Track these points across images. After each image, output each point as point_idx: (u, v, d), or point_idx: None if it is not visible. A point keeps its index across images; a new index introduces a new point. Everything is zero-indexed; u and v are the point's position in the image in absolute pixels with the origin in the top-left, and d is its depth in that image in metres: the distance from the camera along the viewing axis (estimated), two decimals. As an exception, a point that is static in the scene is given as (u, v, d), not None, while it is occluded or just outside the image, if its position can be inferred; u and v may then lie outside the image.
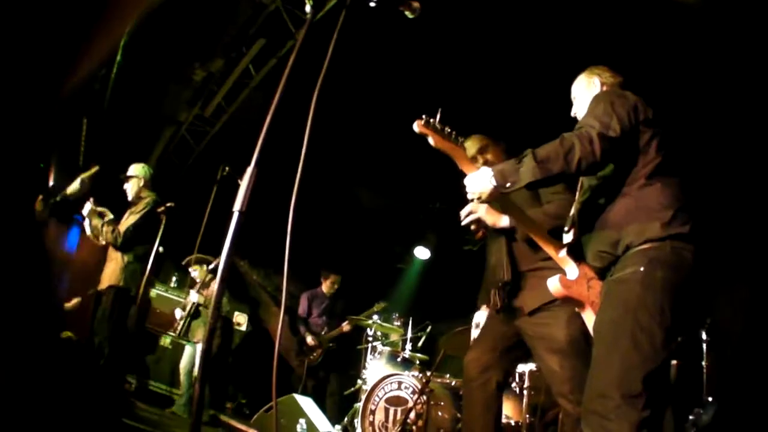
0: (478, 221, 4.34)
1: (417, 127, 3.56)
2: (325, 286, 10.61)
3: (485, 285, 5.17)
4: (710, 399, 5.81)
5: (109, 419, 5.15)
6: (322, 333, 10.08)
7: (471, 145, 4.98)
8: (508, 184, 3.29)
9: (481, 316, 5.43)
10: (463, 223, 4.25)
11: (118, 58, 8.63)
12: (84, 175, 7.05)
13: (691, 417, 5.80)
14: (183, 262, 8.96)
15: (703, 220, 3.22)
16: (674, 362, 6.05)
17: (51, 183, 10.67)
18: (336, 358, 10.03)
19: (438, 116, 3.62)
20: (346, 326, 9.61)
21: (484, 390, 4.68)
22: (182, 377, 9.42)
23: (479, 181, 3.41)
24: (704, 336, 6.12)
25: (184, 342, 9.52)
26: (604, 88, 3.79)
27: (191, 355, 9.37)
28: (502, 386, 4.75)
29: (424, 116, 3.57)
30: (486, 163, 4.91)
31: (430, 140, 3.60)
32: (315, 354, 9.95)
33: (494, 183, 3.32)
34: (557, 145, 3.20)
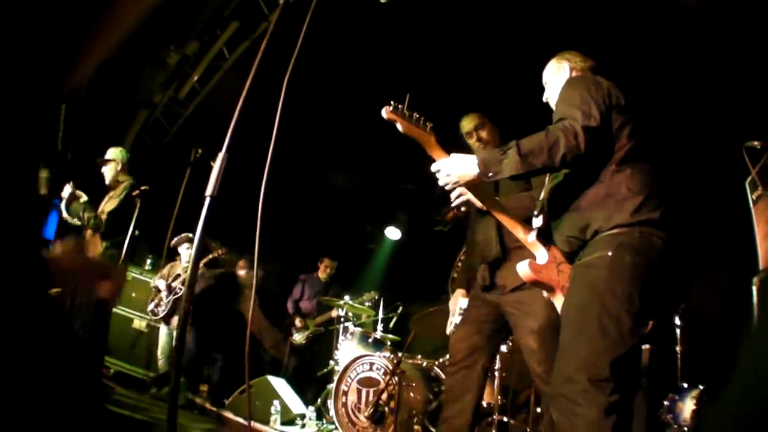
0: (468, 202, 4.35)
1: (385, 113, 3.54)
2: (321, 271, 10.69)
3: (467, 265, 5.22)
4: (685, 385, 5.87)
5: (92, 405, 5.15)
6: (311, 317, 10.16)
7: (468, 122, 5.11)
8: (490, 174, 3.30)
9: (461, 302, 5.48)
10: (453, 204, 4.26)
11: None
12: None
13: (665, 402, 5.85)
14: (172, 243, 8.88)
15: (676, 206, 3.26)
16: (647, 347, 6.11)
17: None
18: (323, 341, 10.04)
19: (407, 102, 3.61)
20: (334, 312, 9.59)
21: (469, 372, 4.72)
22: (161, 361, 9.39)
23: (462, 165, 3.43)
24: (678, 321, 6.18)
25: (148, 318, 9.56)
26: (574, 73, 3.78)
27: (169, 338, 9.33)
28: (487, 369, 4.80)
29: (392, 102, 3.57)
30: (480, 140, 5.04)
31: (399, 126, 3.57)
32: (300, 336, 10.01)
33: (477, 170, 3.33)
34: (542, 139, 3.18)
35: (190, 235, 8.86)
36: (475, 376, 4.75)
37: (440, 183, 3.57)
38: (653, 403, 5.35)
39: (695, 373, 5.96)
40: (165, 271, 9.45)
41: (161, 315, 9.17)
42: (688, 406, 5.59)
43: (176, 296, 9.04)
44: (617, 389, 2.84)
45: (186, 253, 9.38)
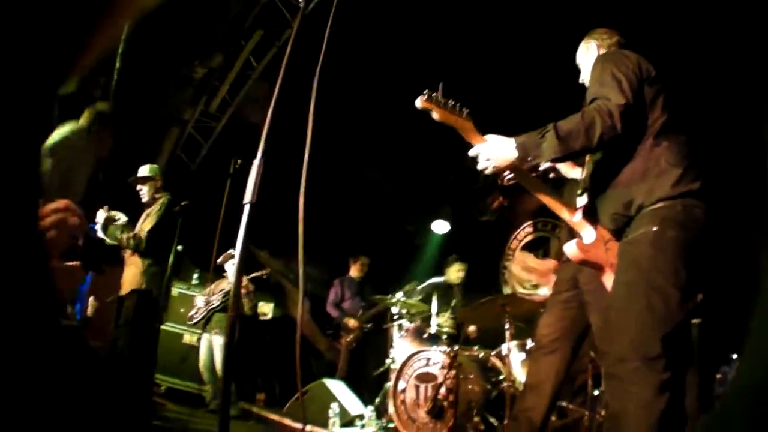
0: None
1: (419, 102, 3.50)
2: (354, 270, 10.63)
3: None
4: (734, 356, 5.77)
5: (137, 424, 5.18)
6: (358, 315, 10.12)
7: None
8: (529, 158, 3.33)
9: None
10: (505, 182, 4.21)
11: (118, 64, 8.62)
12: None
13: (718, 376, 5.76)
14: (219, 260, 8.89)
15: (716, 175, 3.22)
16: (696, 321, 6.02)
17: None
18: (373, 339, 10.02)
19: (440, 90, 3.58)
20: (379, 308, 9.56)
21: (553, 359, 4.73)
22: (206, 375, 9.34)
23: (501, 150, 3.42)
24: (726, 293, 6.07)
25: (199, 333, 9.54)
26: (602, 51, 3.80)
27: (208, 349, 9.33)
28: (569, 360, 4.79)
29: (426, 91, 3.54)
30: None
31: (434, 115, 3.55)
32: (351, 336, 9.99)
33: (515, 155, 3.35)
34: (578, 121, 3.20)
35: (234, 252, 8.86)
36: (557, 363, 4.75)
37: (479, 168, 3.55)
38: (705, 378, 5.24)
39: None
40: (212, 287, 9.45)
41: (195, 321, 9.19)
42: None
43: (211, 306, 9.05)
44: (669, 366, 2.83)
45: (231, 269, 9.33)
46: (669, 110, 3.28)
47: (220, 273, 9.33)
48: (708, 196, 3.12)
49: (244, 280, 8.84)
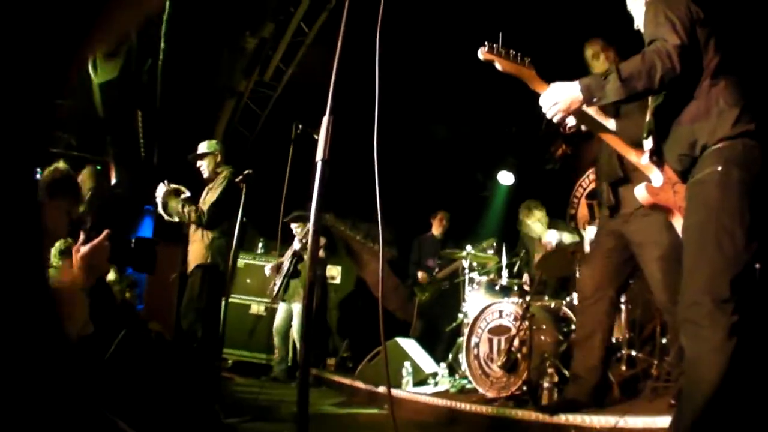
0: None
1: (482, 54, 3.64)
2: (435, 227, 10.60)
3: (599, 185, 5.23)
4: None
5: (205, 402, 5.27)
6: (434, 273, 10.09)
7: (592, 46, 5.44)
8: (594, 99, 3.44)
9: (592, 231, 5.45)
10: (568, 128, 4.24)
11: (162, 45, 8.66)
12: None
13: None
14: (285, 219, 8.78)
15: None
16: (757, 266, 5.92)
17: (113, 180, 10.80)
18: (446, 295, 9.96)
19: (500, 41, 3.66)
20: (457, 263, 9.41)
21: (598, 308, 4.78)
22: (276, 340, 9.50)
23: (566, 93, 3.50)
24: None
25: (267, 302, 9.65)
26: None
27: (286, 316, 9.45)
28: (615, 305, 4.79)
29: (487, 43, 3.62)
30: (608, 59, 5.28)
31: (497, 65, 3.68)
32: (426, 294, 10.00)
33: (581, 96, 3.44)
34: (639, 63, 3.25)
35: (301, 212, 8.85)
36: (603, 312, 4.84)
37: (547, 115, 3.63)
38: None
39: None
40: (279, 259, 9.50)
41: (274, 294, 9.14)
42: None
43: (284, 273, 8.96)
44: (738, 308, 2.85)
45: (297, 230, 9.37)
46: (721, 51, 3.28)
47: (285, 239, 9.32)
48: (763, 136, 3.13)
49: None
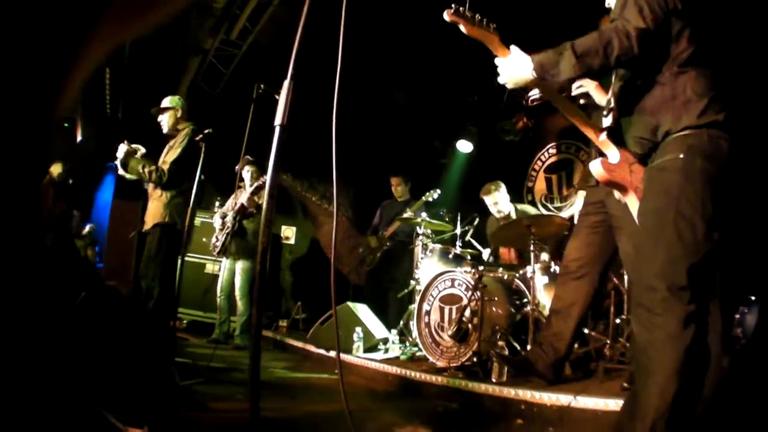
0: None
1: (447, 16, 3.55)
2: (394, 191, 10.39)
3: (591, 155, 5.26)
4: (753, 298, 5.76)
5: (160, 363, 5.27)
6: (379, 234, 9.93)
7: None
8: (547, 77, 3.36)
9: (579, 203, 5.50)
10: (531, 99, 4.28)
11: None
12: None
13: (736, 316, 5.77)
14: (238, 166, 8.59)
15: (743, 110, 3.22)
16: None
17: (78, 138, 10.66)
18: (398, 260, 9.84)
19: (467, 5, 3.61)
20: (397, 223, 9.43)
21: (580, 284, 4.85)
22: (220, 300, 9.21)
23: (518, 68, 3.46)
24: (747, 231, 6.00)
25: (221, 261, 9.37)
26: None
27: (230, 275, 9.15)
28: (597, 285, 4.84)
29: (453, 5, 3.57)
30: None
31: (462, 28, 3.60)
32: (371, 257, 9.89)
33: (531, 75, 3.38)
34: (596, 39, 3.21)
35: (251, 157, 8.68)
36: (585, 288, 4.89)
37: (499, 81, 3.60)
38: (726, 316, 5.31)
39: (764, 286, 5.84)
40: (229, 202, 9.29)
41: (218, 250, 9.00)
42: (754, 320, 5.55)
43: (227, 230, 8.89)
44: (694, 298, 2.85)
45: (248, 176, 9.18)
46: (696, 43, 3.24)
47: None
48: (732, 129, 3.11)
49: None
